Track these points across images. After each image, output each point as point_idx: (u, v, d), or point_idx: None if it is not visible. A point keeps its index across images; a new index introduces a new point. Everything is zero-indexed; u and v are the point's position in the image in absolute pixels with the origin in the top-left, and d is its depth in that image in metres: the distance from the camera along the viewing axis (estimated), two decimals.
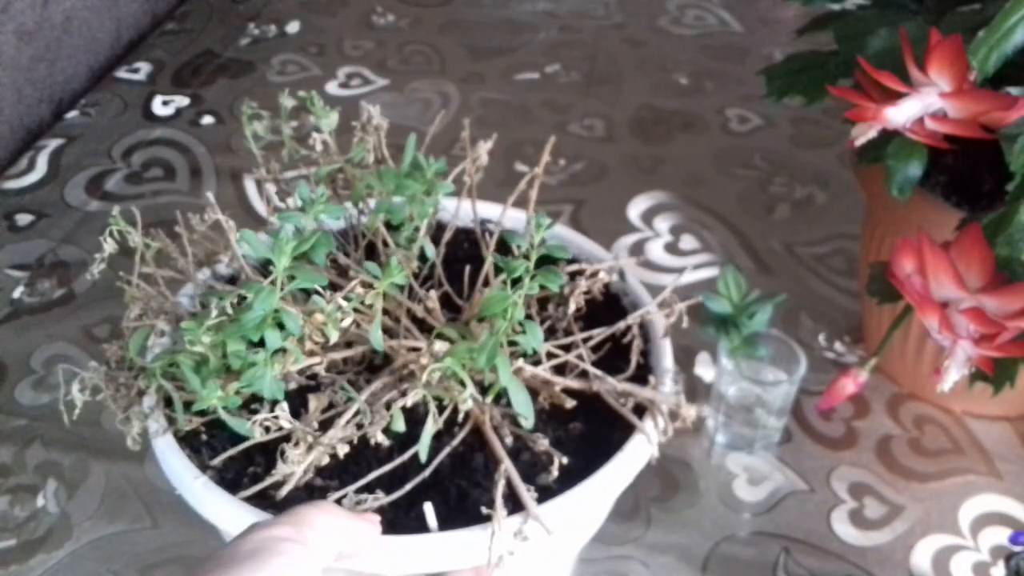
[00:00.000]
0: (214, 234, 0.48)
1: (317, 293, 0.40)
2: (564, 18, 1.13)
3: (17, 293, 0.73)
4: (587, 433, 0.44)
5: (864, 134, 0.50)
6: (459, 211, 0.52)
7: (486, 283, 0.48)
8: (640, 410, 0.44)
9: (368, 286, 0.40)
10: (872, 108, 0.49)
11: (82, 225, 0.79)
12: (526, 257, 0.39)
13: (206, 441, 0.43)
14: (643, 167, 0.88)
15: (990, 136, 0.49)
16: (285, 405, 0.39)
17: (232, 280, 0.49)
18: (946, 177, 0.58)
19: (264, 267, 0.50)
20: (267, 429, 0.39)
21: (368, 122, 0.48)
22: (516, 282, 0.39)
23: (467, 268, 0.49)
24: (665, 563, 0.56)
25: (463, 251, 0.52)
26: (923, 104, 0.49)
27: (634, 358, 0.46)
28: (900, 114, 0.49)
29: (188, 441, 0.42)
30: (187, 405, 0.41)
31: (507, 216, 0.52)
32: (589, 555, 0.56)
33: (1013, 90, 0.50)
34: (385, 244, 0.48)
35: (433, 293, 0.45)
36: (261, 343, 0.39)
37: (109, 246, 0.43)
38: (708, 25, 1.12)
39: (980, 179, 0.58)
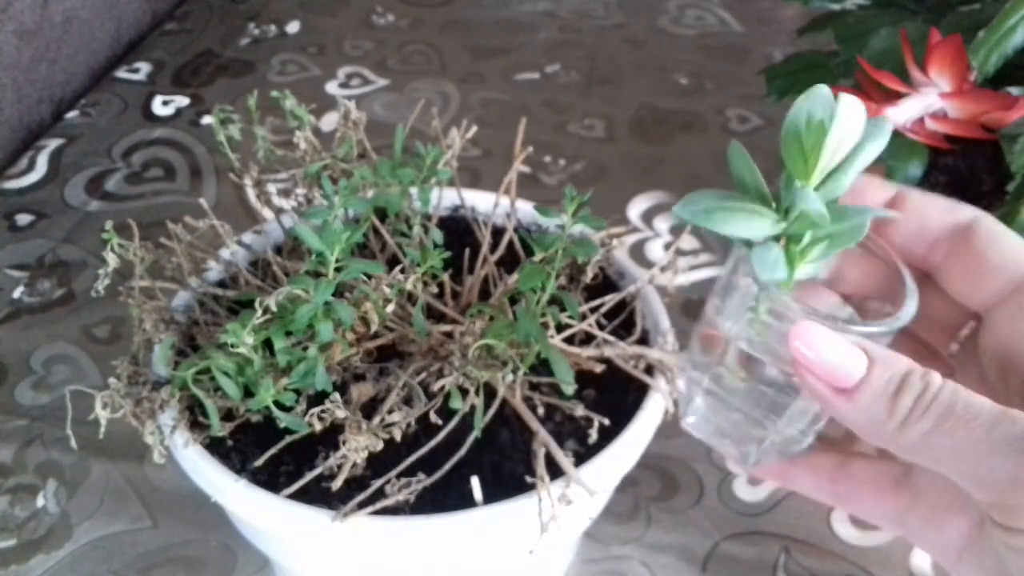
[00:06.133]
0: (200, 242, 0.48)
1: (363, 282, 0.41)
2: (564, 18, 1.13)
3: (17, 293, 0.73)
4: (600, 399, 0.46)
5: None
6: (440, 200, 0.53)
7: (483, 266, 0.49)
8: (649, 372, 0.46)
9: (402, 271, 0.41)
10: (872, 108, 0.49)
11: (82, 225, 0.79)
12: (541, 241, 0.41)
13: (232, 447, 0.43)
14: (643, 167, 0.88)
15: (990, 136, 0.49)
16: (337, 396, 0.40)
17: (222, 284, 0.49)
18: (946, 177, 0.58)
19: (254, 267, 0.51)
20: (320, 420, 0.40)
21: (348, 117, 0.49)
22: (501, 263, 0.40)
23: (466, 252, 0.50)
24: (665, 563, 0.56)
25: (449, 238, 0.53)
26: (923, 104, 0.49)
27: (639, 321, 0.49)
28: (900, 114, 0.50)
29: (213, 449, 0.42)
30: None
31: (497, 205, 0.53)
32: (589, 555, 0.56)
33: (1013, 90, 0.50)
34: (377, 233, 0.49)
35: (446, 277, 0.47)
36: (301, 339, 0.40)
37: (112, 260, 0.44)
38: (708, 25, 1.12)
39: (980, 179, 0.58)
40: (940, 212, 0.35)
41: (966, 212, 0.35)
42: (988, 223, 0.34)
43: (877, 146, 0.29)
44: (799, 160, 0.28)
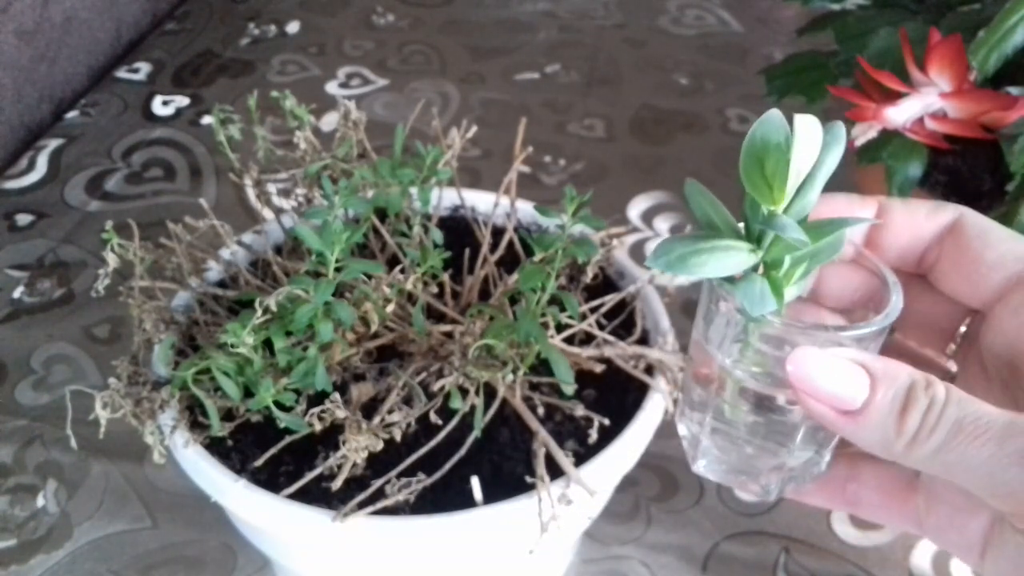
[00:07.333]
0: (200, 242, 0.48)
1: (363, 282, 0.41)
2: (564, 18, 1.13)
3: (17, 293, 0.73)
4: (600, 399, 0.46)
5: (864, 134, 0.50)
6: (440, 200, 0.53)
7: (483, 266, 0.49)
8: (649, 372, 0.46)
9: (402, 271, 0.41)
10: (872, 108, 0.49)
11: (82, 225, 0.79)
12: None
13: (232, 447, 0.43)
14: (643, 167, 0.88)
15: (990, 136, 0.49)
16: (337, 396, 0.40)
17: (222, 284, 0.49)
18: (946, 177, 0.58)
19: (254, 267, 0.51)
20: (320, 420, 0.40)
21: (348, 117, 0.49)
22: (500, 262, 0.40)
23: (466, 252, 0.50)
24: (665, 563, 0.56)
25: (449, 238, 0.53)
26: (923, 104, 0.49)
27: (639, 321, 0.49)
28: (900, 114, 0.50)
29: (213, 449, 0.42)
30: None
31: (497, 205, 0.53)
32: (589, 555, 0.56)
33: (1013, 90, 0.50)
34: (377, 233, 0.49)
35: (446, 277, 0.47)
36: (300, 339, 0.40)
37: (112, 260, 0.44)
38: (708, 25, 1.12)
39: (980, 179, 0.58)
40: (927, 217, 0.34)
41: (949, 211, 0.34)
42: (973, 219, 0.34)
43: (836, 153, 0.28)
44: (763, 187, 0.28)
